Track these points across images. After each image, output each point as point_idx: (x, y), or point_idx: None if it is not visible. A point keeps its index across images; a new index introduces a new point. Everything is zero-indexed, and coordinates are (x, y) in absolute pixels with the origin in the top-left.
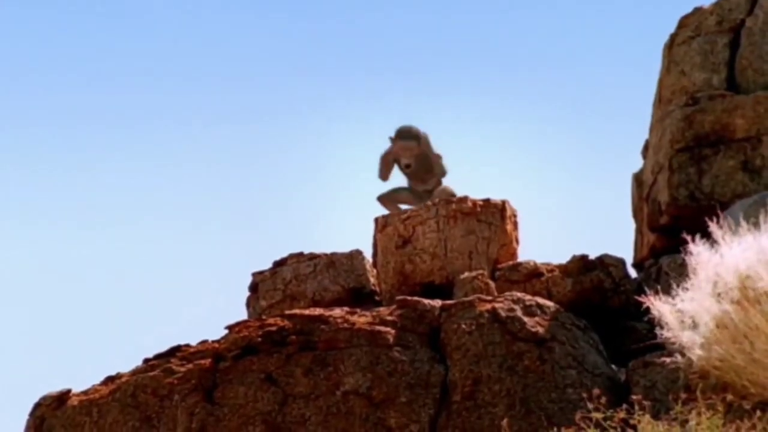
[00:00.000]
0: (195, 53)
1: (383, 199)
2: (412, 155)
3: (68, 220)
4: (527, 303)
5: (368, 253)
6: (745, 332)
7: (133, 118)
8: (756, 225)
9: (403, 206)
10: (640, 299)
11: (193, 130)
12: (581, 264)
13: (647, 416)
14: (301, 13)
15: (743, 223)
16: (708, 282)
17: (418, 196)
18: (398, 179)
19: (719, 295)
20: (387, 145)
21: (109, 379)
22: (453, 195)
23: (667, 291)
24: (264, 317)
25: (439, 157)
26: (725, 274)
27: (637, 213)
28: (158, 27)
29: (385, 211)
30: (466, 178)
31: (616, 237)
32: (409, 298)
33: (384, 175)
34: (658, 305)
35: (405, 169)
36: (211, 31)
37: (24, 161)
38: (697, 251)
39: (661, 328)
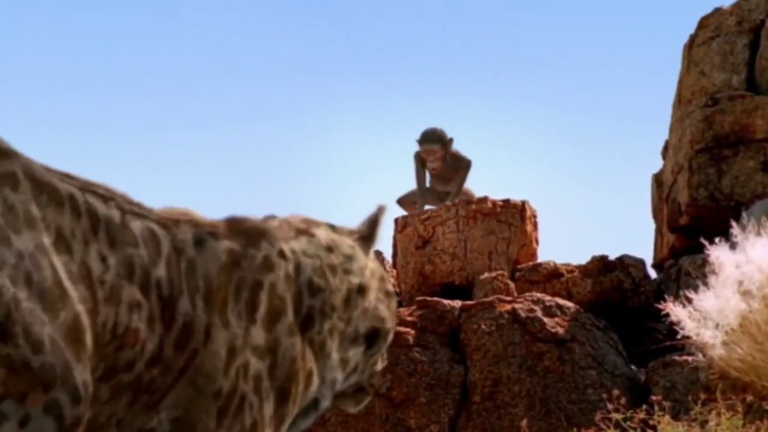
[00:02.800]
0: (194, 53)
1: (402, 201)
2: (436, 158)
3: None
4: (547, 303)
5: (388, 254)
6: (767, 332)
7: (131, 119)
8: None
9: (426, 207)
10: (659, 305)
11: (196, 131)
12: (601, 264)
13: (667, 417)
14: (297, 13)
15: (764, 222)
16: (731, 281)
17: (438, 197)
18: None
19: (745, 293)
20: (409, 146)
21: None
22: (472, 196)
23: (688, 291)
24: None
25: (467, 165)
26: (750, 273)
27: (656, 213)
28: (158, 26)
29: (405, 210)
30: (486, 179)
31: (636, 238)
32: (428, 298)
33: (419, 177)
34: (677, 309)
35: (431, 171)
36: (211, 30)
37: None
38: (718, 251)
39: (682, 328)
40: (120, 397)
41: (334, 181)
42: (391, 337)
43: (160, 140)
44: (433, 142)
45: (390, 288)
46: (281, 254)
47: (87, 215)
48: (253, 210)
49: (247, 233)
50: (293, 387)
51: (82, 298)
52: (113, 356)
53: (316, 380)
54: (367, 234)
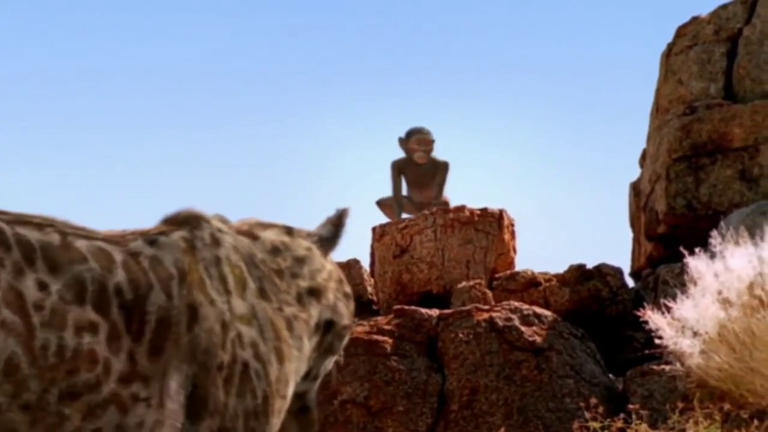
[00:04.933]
0: (193, 54)
1: (382, 203)
2: (427, 150)
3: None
4: (525, 312)
5: (365, 262)
6: (744, 341)
7: (130, 119)
8: (754, 234)
9: (404, 215)
10: (638, 313)
11: (185, 134)
12: (579, 273)
13: (644, 426)
14: (296, 13)
15: (741, 232)
16: (709, 290)
17: (416, 206)
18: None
19: (723, 302)
20: (388, 152)
21: None
22: (447, 203)
23: (665, 300)
24: None
25: (445, 166)
26: (728, 282)
27: (634, 222)
28: (158, 27)
29: (382, 217)
30: (464, 187)
31: (614, 246)
32: (406, 307)
33: (396, 186)
34: (655, 316)
35: (413, 169)
36: (209, 31)
37: (26, 166)
38: (696, 260)
39: (659, 337)
40: (101, 413)
41: (331, 181)
42: (347, 337)
43: (157, 140)
44: (425, 133)
45: (348, 290)
46: (220, 230)
47: (18, 246)
48: (251, 210)
49: (186, 221)
50: (284, 346)
51: (9, 323)
52: (66, 379)
53: (294, 352)
54: (327, 236)
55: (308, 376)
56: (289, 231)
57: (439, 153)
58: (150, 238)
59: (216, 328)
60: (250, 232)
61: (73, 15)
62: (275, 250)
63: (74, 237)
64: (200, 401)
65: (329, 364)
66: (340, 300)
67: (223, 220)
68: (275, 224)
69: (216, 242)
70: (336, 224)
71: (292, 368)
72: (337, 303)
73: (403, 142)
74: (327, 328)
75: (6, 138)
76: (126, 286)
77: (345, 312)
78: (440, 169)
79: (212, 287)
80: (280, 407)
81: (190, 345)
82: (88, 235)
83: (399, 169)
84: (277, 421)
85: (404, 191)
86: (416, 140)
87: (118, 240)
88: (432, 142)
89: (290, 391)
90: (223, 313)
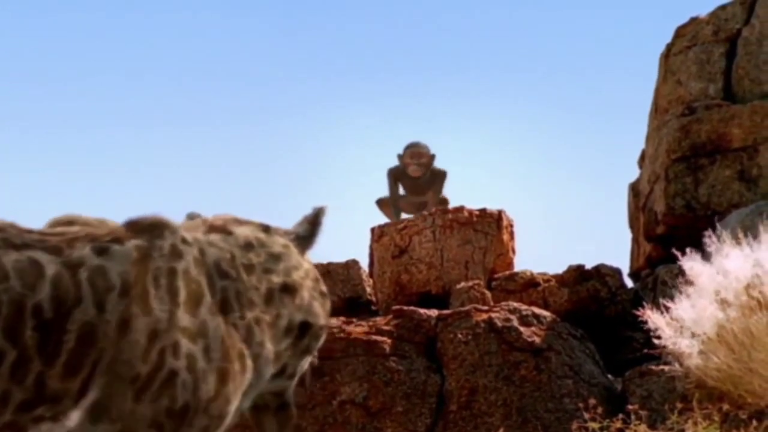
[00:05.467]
0: (191, 55)
1: (382, 202)
2: (422, 163)
3: None
4: (523, 313)
5: (364, 263)
6: (743, 341)
7: (129, 120)
8: (753, 235)
9: (402, 215)
10: (636, 312)
11: (185, 134)
12: (577, 274)
13: (643, 426)
14: (294, 14)
15: (740, 232)
16: (707, 290)
17: (415, 207)
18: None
19: (722, 302)
20: (387, 152)
21: None
22: (446, 202)
23: (664, 300)
24: None
25: (443, 173)
26: (726, 282)
27: (633, 223)
28: (157, 27)
29: (382, 218)
30: (462, 188)
31: (613, 247)
32: (405, 308)
33: (393, 193)
34: (654, 316)
35: (413, 175)
36: (209, 31)
37: (28, 171)
38: (695, 260)
39: (658, 337)
40: None
41: (331, 181)
42: (323, 336)
43: (156, 140)
44: (420, 147)
45: (324, 289)
46: (184, 241)
47: None
48: (251, 210)
49: (148, 229)
50: (230, 366)
51: None
52: None
53: (249, 363)
54: (304, 234)
55: (283, 374)
56: (266, 228)
57: (438, 153)
58: (101, 246)
59: (141, 339)
60: (224, 227)
61: (73, 15)
62: (248, 246)
63: (5, 250)
64: (103, 408)
65: (305, 363)
66: (316, 299)
67: (193, 216)
68: (252, 221)
69: (177, 254)
70: (313, 223)
71: (239, 384)
72: (312, 302)
73: (400, 157)
74: (303, 330)
75: (6, 138)
76: (48, 304)
77: (321, 312)
78: (438, 178)
79: (155, 297)
80: (208, 425)
81: (115, 356)
82: (28, 243)
83: (395, 176)
84: None
85: (402, 192)
86: (410, 153)
87: (63, 248)
88: (427, 155)
89: (231, 409)
90: (159, 322)
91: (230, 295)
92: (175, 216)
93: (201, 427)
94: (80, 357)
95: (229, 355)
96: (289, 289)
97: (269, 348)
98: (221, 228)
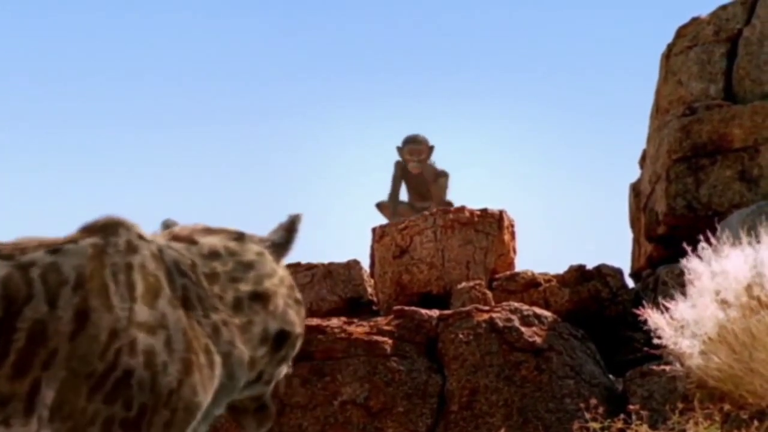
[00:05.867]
0: (193, 54)
1: (382, 206)
2: (420, 159)
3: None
4: (525, 313)
5: (366, 263)
6: (744, 341)
7: (129, 120)
8: (753, 235)
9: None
10: (637, 312)
11: (184, 134)
12: (578, 274)
13: (645, 426)
14: (293, 14)
15: (741, 233)
16: (708, 290)
17: (416, 211)
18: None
19: (722, 302)
20: (388, 153)
21: None
22: (450, 204)
23: (665, 300)
24: None
25: (445, 175)
26: (727, 283)
27: (634, 223)
28: (158, 27)
29: (382, 219)
30: (464, 188)
31: (614, 247)
32: (406, 308)
33: (395, 185)
34: (655, 315)
35: (412, 172)
36: (209, 31)
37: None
38: (695, 261)
39: (659, 337)
40: None
41: (331, 181)
42: (299, 344)
43: (155, 140)
44: (418, 143)
45: (299, 297)
46: (140, 237)
47: None
48: (251, 210)
49: (102, 228)
50: (194, 357)
51: None
52: None
53: (217, 359)
54: (280, 242)
55: (260, 380)
56: (239, 236)
57: (439, 153)
58: (54, 247)
59: (102, 336)
60: (189, 237)
61: (73, 15)
62: (213, 255)
63: None
64: (57, 405)
65: (282, 371)
66: (291, 307)
67: (169, 225)
68: (225, 229)
69: (131, 249)
70: (289, 230)
71: (207, 377)
72: (287, 310)
73: (400, 150)
74: (281, 339)
75: (6, 138)
76: None
77: (296, 319)
78: (440, 178)
79: (115, 293)
80: (171, 418)
81: (70, 352)
82: None
83: (402, 169)
84: None
85: (405, 196)
86: (409, 150)
87: (14, 253)
88: (427, 150)
89: (201, 399)
90: (118, 321)
91: (191, 294)
92: (177, 216)
93: (163, 422)
94: (30, 356)
95: (192, 346)
96: (260, 297)
97: (241, 349)
98: (185, 238)
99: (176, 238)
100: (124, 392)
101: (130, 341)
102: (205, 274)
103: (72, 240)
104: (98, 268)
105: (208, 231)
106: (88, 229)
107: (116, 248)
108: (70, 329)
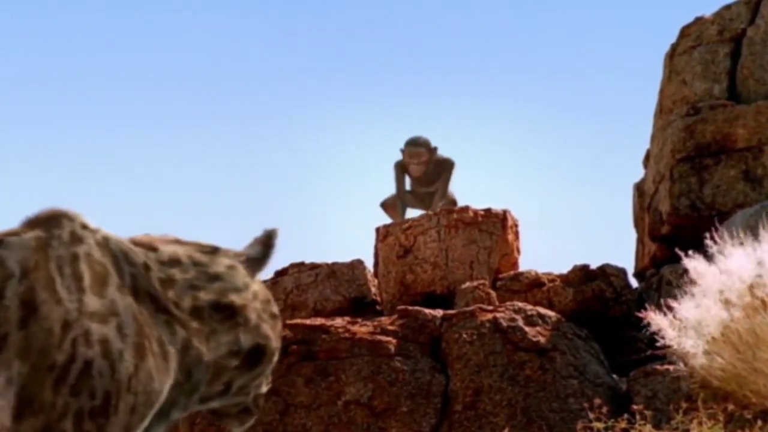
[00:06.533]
0: (193, 54)
1: (386, 205)
2: (421, 162)
3: None
4: (528, 313)
5: (369, 263)
6: (748, 341)
7: (128, 120)
8: (757, 235)
9: (409, 210)
10: (640, 314)
11: (184, 134)
12: (582, 274)
13: (648, 426)
14: (292, 14)
15: (744, 232)
16: (712, 290)
17: (420, 198)
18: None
19: (726, 302)
20: (391, 153)
21: None
22: (454, 201)
23: (669, 300)
24: None
25: (450, 163)
26: (731, 283)
27: (638, 223)
28: (158, 27)
29: (387, 218)
30: (467, 188)
31: (618, 247)
32: (410, 307)
33: (399, 186)
34: (659, 316)
35: (414, 175)
36: (210, 31)
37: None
38: (699, 261)
39: (663, 337)
40: None
41: (331, 181)
42: (276, 358)
43: (155, 140)
44: (419, 145)
45: (275, 311)
46: (84, 227)
47: None
48: (250, 210)
49: (45, 220)
50: (145, 341)
51: None
52: None
53: (171, 350)
54: (255, 256)
55: (229, 391)
56: (212, 250)
57: (441, 153)
58: None
59: (55, 328)
60: (149, 244)
61: (73, 15)
62: (173, 262)
63: None
64: (25, 400)
65: (261, 385)
66: (266, 321)
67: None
68: (197, 243)
69: (76, 240)
70: (265, 244)
71: (162, 366)
72: (261, 324)
73: (402, 152)
74: (256, 353)
75: (6, 138)
76: None
77: (271, 333)
78: (445, 167)
79: (62, 285)
80: (134, 403)
81: (22, 343)
82: None
83: (402, 168)
84: (131, 418)
85: (408, 186)
86: (409, 153)
87: None
88: (426, 154)
89: (158, 385)
90: (69, 312)
91: (140, 285)
92: (174, 216)
93: (128, 407)
94: None
95: (144, 330)
96: (224, 309)
97: (200, 350)
98: (145, 244)
99: (136, 243)
100: (88, 383)
101: (84, 331)
102: (160, 278)
103: (14, 233)
104: (43, 260)
105: (177, 242)
106: (31, 222)
107: (60, 240)
108: (18, 316)
